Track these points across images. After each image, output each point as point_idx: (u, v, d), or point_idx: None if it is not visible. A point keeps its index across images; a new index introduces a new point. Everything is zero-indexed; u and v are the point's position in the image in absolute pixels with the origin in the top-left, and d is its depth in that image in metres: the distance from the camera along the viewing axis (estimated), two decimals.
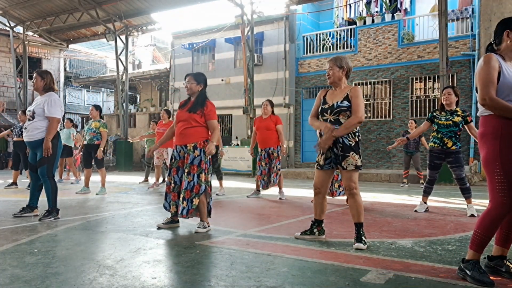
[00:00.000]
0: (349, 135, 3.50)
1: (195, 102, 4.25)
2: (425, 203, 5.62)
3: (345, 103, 3.54)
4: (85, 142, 7.73)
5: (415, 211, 5.56)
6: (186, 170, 4.10)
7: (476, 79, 2.63)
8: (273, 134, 6.88)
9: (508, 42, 2.60)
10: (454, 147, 5.23)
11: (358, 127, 3.58)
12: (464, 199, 5.40)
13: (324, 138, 3.50)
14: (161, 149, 8.70)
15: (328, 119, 3.59)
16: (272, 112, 7.05)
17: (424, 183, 5.64)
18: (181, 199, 4.11)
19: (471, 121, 5.21)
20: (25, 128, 4.86)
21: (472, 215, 5.17)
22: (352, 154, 3.48)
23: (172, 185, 4.25)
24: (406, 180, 10.03)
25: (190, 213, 4.13)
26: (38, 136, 4.77)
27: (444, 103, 5.32)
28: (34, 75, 4.97)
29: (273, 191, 7.49)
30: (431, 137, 5.47)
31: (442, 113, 5.33)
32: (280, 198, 6.94)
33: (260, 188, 7.14)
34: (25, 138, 4.88)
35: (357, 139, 3.54)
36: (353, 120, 3.47)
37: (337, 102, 3.57)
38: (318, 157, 3.70)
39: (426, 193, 5.58)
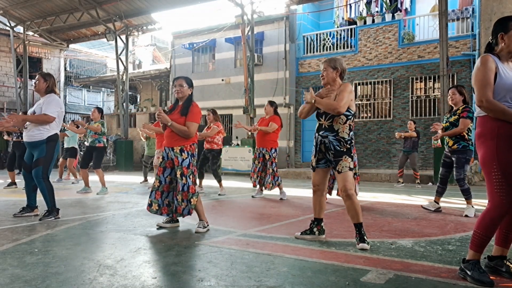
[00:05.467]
0: (341, 143, 3.53)
1: (185, 106, 4.25)
2: (437, 203, 5.59)
3: None
4: (87, 144, 7.81)
5: (424, 208, 5.56)
6: (179, 172, 4.14)
7: (473, 80, 2.64)
8: (268, 135, 6.91)
9: (503, 44, 2.61)
10: (455, 146, 5.22)
11: (351, 134, 3.60)
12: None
13: (310, 94, 3.54)
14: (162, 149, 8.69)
15: (323, 124, 3.62)
16: (275, 112, 7.08)
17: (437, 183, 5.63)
18: (179, 200, 4.15)
19: (462, 116, 5.10)
20: (25, 128, 4.86)
21: (466, 216, 5.17)
22: (345, 157, 3.52)
23: (157, 183, 4.28)
24: (401, 179, 10.03)
25: (191, 212, 4.17)
26: (38, 137, 4.76)
27: (449, 103, 5.33)
28: (37, 76, 4.97)
29: (273, 191, 7.49)
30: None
31: (448, 114, 5.36)
32: (281, 199, 6.94)
33: (252, 184, 7.20)
34: (25, 138, 4.87)
35: (348, 146, 3.56)
36: (333, 104, 3.47)
37: None
38: (311, 159, 3.76)
39: (438, 193, 5.56)
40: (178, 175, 4.15)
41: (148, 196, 4.36)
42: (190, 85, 4.34)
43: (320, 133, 3.62)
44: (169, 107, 4.46)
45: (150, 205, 4.32)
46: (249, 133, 13.71)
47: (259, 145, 7.03)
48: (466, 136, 5.21)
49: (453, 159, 5.28)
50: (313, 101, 3.51)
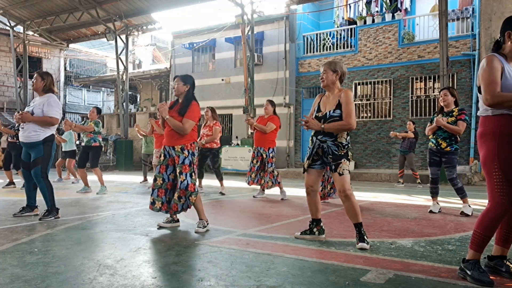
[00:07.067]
0: (339, 147, 3.55)
1: (184, 104, 4.27)
2: (437, 203, 5.59)
3: (338, 112, 3.56)
4: (83, 144, 7.81)
5: (430, 211, 5.47)
6: (178, 170, 4.16)
7: (479, 81, 2.61)
8: (266, 135, 6.91)
9: (510, 43, 2.59)
10: (448, 148, 5.27)
11: (348, 139, 3.62)
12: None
13: (315, 123, 3.56)
14: (160, 149, 8.72)
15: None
16: (274, 112, 7.08)
17: (429, 184, 5.60)
18: (176, 198, 4.17)
19: (460, 119, 5.18)
20: (22, 128, 4.82)
21: (463, 213, 5.20)
22: (344, 160, 3.54)
23: (160, 181, 4.28)
24: (401, 180, 10.05)
25: (190, 207, 4.22)
26: (35, 138, 4.75)
27: (441, 104, 5.36)
28: (35, 75, 4.97)
29: (274, 191, 7.49)
30: (430, 138, 5.51)
31: (440, 115, 5.36)
32: (281, 198, 6.94)
33: (247, 184, 7.17)
34: (21, 138, 4.83)
35: (345, 151, 3.59)
36: (345, 124, 3.50)
37: (329, 112, 3.59)
38: (304, 161, 3.77)
39: (434, 194, 5.55)
40: (177, 173, 4.17)
41: (150, 195, 4.32)
42: (186, 82, 4.33)
43: (319, 137, 3.62)
44: (170, 103, 4.47)
45: (153, 203, 4.29)
46: (250, 132, 13.71)
47: (257, 144, 7.04)
48: (458, 138, 5.31)
49: (444, 159, 5.33)
50: (322, 126, 3.52)
